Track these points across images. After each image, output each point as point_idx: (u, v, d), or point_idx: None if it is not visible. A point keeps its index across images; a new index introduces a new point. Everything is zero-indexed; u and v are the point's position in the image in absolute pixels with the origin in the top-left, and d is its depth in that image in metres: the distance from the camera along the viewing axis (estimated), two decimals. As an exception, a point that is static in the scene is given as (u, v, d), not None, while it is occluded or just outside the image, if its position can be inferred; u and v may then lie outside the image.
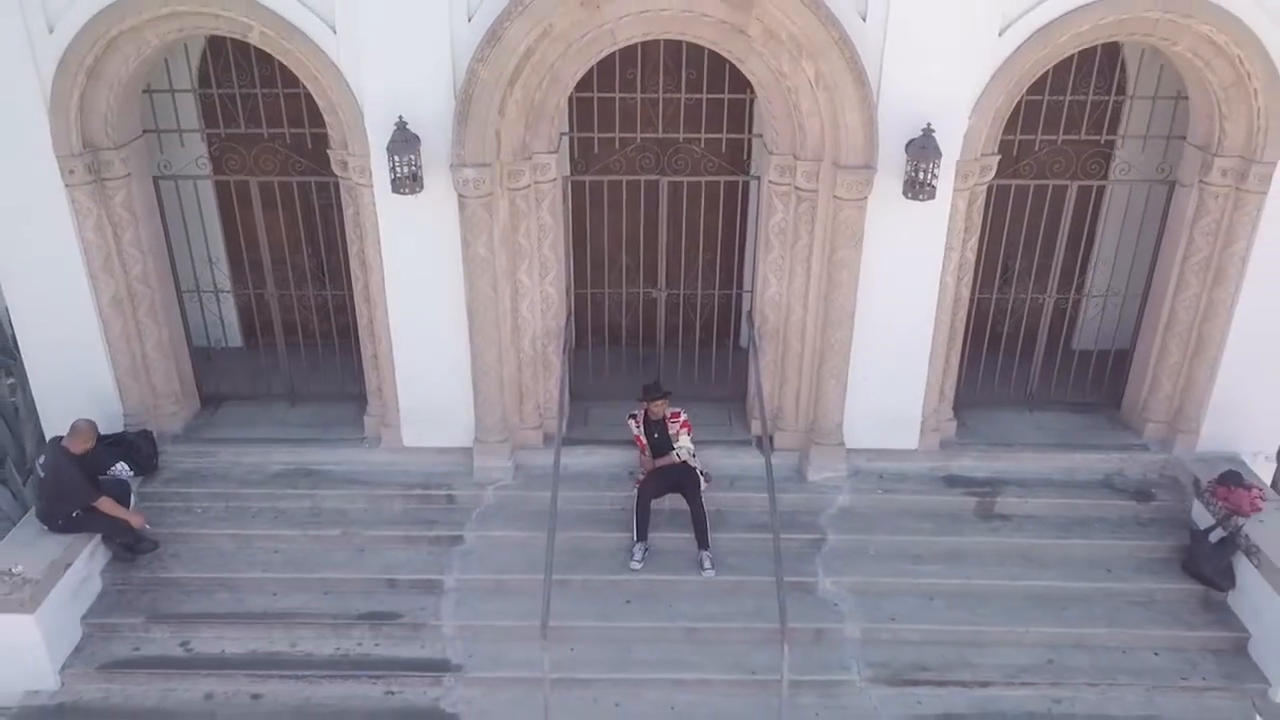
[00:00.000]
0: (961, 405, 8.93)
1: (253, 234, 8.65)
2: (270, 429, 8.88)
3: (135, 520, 7.73)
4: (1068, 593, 7.83)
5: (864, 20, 7.05)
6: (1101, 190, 8.56)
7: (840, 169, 7.32)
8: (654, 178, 8.35)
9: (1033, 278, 8.79)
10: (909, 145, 7.28)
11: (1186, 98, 7.86)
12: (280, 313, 9.01)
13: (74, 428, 7.53)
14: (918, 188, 7.25)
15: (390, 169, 7.19)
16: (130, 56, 7.35)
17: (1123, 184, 8.41)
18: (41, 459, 7.52)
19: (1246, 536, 7.61)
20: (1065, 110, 8.18)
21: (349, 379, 9.03)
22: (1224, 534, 7.74)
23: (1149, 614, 7.74)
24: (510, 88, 7.18)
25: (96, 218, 7.76)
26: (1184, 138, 8.03)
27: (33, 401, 8.77)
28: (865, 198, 7.42)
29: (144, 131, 8.07)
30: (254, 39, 7.26)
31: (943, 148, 7.24)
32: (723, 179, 8.46)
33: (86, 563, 7.60)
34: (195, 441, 8.73)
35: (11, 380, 10.71)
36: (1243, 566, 7.63)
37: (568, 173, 8.36)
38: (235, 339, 9.87)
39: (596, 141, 8.42)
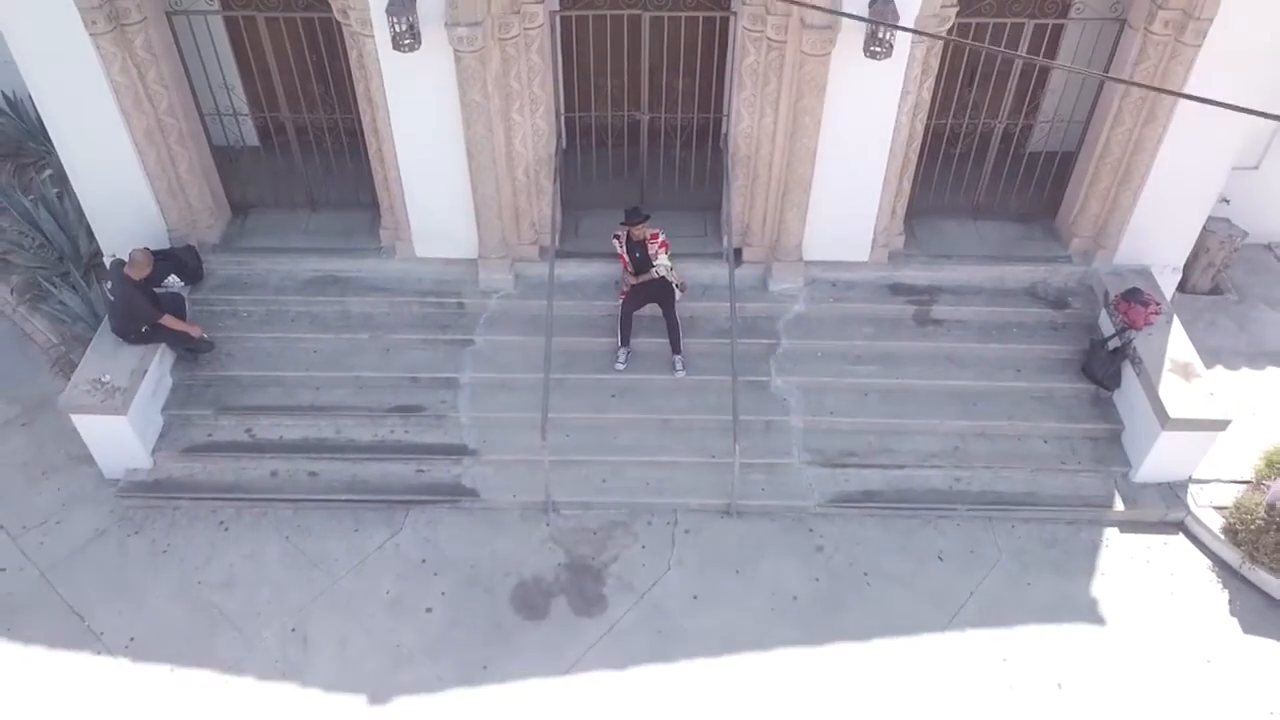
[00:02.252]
0: (913, 213, 9.94)
1: (264, 63, 9.28)
2: (297, 238, 9.97)
3: (194, 331, 9.09)
4: (980, 390, 9.34)
5: (834, -117, 7.36)
6: (1058, 27, 9.07)
7: (806, 27, 7.91)
8: (636, 12, 8.87)
9: (987, 104, 9.51)
10: (871, 4, 7.83)
11: (1146, -59, 8.23)
12: (294, 129, 9.83)
13: (132, 259, 8.69)
14: (877, 45, 7.88)
15: (390, 26, 7.80)
16: (134, -89, 7.72)
17: (1076, 22, 8.92)
18: (109, 285, 8.73)
19: (1135, 348, 9.00)
20: (1028, -48, 8.54)
21: (362, 187, 9.95)
22: (1119, 343, 9.13)
23: (1045, 408, 9.30)
24: (498, -53, 7.63)
25: (122, 61, 8.42)
26: (1138, -19, 8.48)
27: (79, 202, 9.77)
28: (828, 53, 8.06)
29: (152, -29, 8.51)
30: (250, -105, 7.60)
31: (902, 3, 7.81)
32: (701, 14, 8.96)
33: (158, 365, 9.05)
34: (233, 251, 9.87)
35: (49, 172, 11.65)
36: (1128, 371, 9.08)
37: (556, 8, 8.86)
38: (252, 139, 10.66)
39: (581, -20, 8.85)
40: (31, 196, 11.31)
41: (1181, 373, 8.76)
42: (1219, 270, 10.78)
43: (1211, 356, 10.04)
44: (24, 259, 10.76)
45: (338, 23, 8.48)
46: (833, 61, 8.15)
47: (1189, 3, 8.02)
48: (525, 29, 8.32)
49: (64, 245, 10.54)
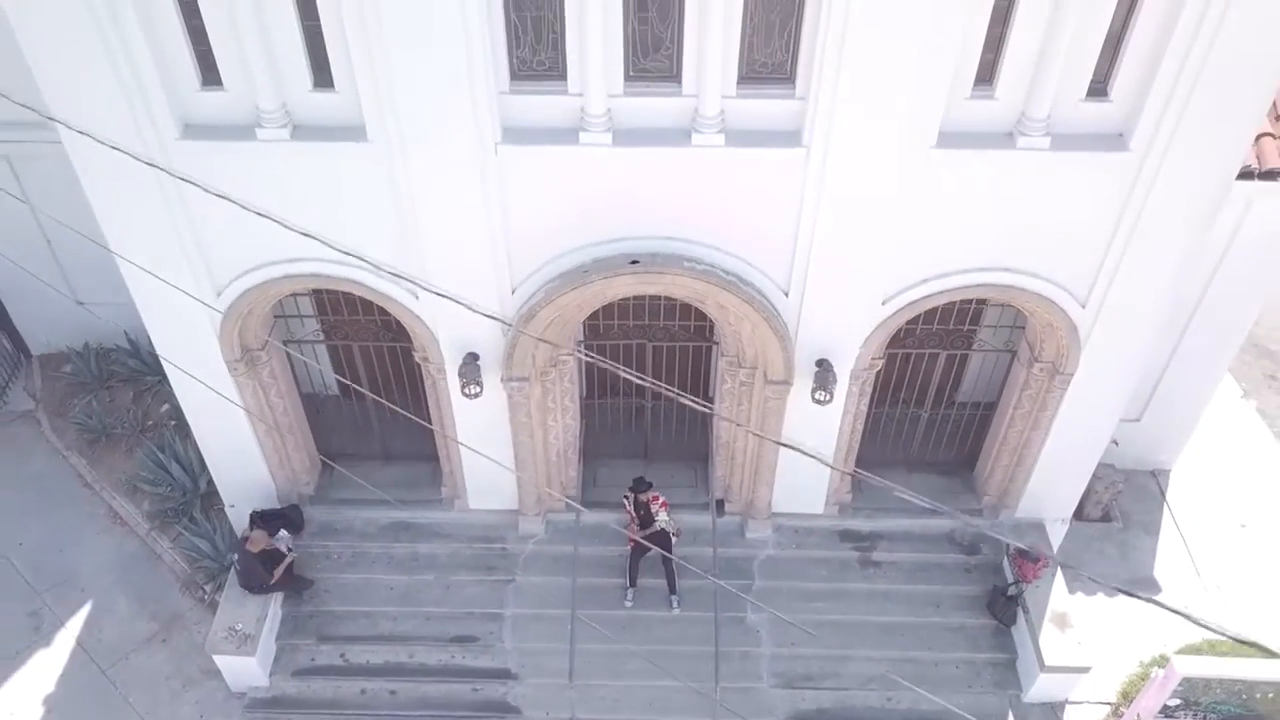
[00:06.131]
0: (860, 465, 12.61)
1: (355, 373, 12.04)
2: (375, 489, 12.68)
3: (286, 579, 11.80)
4: (908, 624, 12.00)
5: (786, 296, 10.07)
6: (965, 356, 11.81)
7: (768, 382, 10.63)
8: (642, 342, 11.61)
9: (913, 400, 12.23)
10: (817, 365, 10.55)
11: (1026, 307, 10.93)
12: (374, 407, 12.58)
13: (252, 539, 11.43)
14: (820, 396, 10.58)
15: (459, 381, 10.52)
16: (271, 300, 10.46)
17: (978, 353, 11.65)
18: (235, 557, 11.46)
19: (1025, 597, 11.68)
20: (939, 310, 11.22)
21: (427, 443, 12.63)
22: (1015, 592, 11.80)
23: (957, 639, 11.97)
24: (543, 332, 10.35)
25: (252, 389, 11.15)
26: (1024, 328, 11.18)
27: (199, 449, 12.45)
28: (785, 397, 10.78)
29: (275, 318, 11.24)
30: (358, 294, 10.33)
31: (840, 364, 10.54)
32: (691, 345, 11.70)
33: (274, 606, 11.77)
34: (325, 502, 12.59)
35: (167, 405, 14.38)
36: (1020, 613, 11.76)
37: (580, 338, 11.59)
38: (333, 387, 13.40)
39: (601, 325, 11.56)
40: (152, 423, 14.13)
41: (1059, 623, 11.44)
42: (1107, 503, 13.45)
43: (1095, 584, 12.72)
44: (152, 488, 13.45)
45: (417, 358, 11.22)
46: (789, 399, 10.86)
47: (1057, 358, 10.72)
48: (560, 370, 11.06)
49: (186, 485, 13.24)
